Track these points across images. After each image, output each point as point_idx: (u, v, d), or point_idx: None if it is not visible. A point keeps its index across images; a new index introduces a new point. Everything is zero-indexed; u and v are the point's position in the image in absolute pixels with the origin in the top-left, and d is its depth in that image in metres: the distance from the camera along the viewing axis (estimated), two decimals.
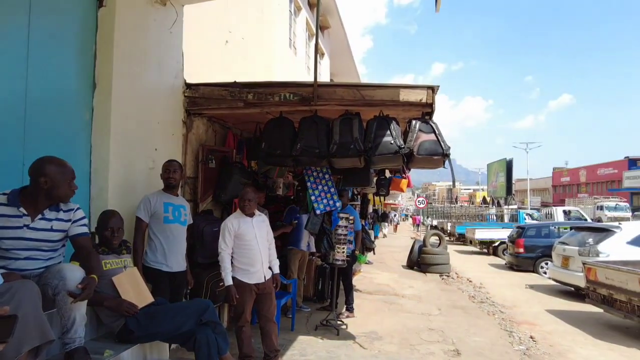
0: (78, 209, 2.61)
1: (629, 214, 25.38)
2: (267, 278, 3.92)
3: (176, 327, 2.86)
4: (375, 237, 24.96)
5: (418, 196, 36.47)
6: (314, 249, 6.55)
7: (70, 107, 3.24)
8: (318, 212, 5.61)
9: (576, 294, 8.35)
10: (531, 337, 5.60)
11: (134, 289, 2.92)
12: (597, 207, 27.95)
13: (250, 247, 3.81)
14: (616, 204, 27.87)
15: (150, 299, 2.98)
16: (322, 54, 13.27)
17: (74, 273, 2.33)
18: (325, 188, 5.52)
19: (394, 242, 22.32)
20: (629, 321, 6.01)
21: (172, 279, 3.52)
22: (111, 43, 3.42)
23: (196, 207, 4.72)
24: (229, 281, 3.73)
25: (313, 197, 5.52)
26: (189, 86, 4.58)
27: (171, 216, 3.50)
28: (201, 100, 4.60)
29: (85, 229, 2.60)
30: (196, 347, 2.81)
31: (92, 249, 2.68)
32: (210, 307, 3.01)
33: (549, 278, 9.95)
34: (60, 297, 2.30)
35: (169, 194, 3.59)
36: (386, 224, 28.35)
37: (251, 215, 3.89)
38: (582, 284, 7.02)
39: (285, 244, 6.04)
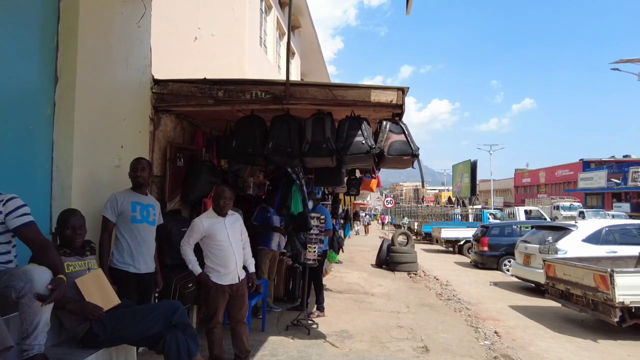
0: (10, 199, 2.33)
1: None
2: (241, 279, 3.86)
3: (144, 330, 2.77)
4: (347, 236, 25.56)
5: (386, 196, 37.05)
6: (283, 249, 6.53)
7: (30, 102, 3.07)
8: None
9: (537, 289, 8.71)
10: (495, 332, 5.80)
11: (99, 291, 2.79)
12: (554, 207, 29.56)
13: (223, 247, 3.73)
14: (570, 204, 29.77)
15: (116, 301, 2.85)
16: (293, 54, 13.24)
17: (42, 274, 2.21)
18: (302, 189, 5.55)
19: (364, 241, 22.55)
20: (584, 314, 6.34)
21: (139, 281, 3.39)
22: (75, 35, 3.27)
23: (164, 207, 4.58)
24: (197, 270, 3.67)
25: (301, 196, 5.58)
26: (157, 82, 4.46)
27: (139, 216, 3.38)
28: (169, 96, 4.48)
29: (26, 219, 2.34)
30: (165, 349, 2.73)
31: (46, 241, 2.46)
32: (180, 309, 2.93)
33: (512, 275, 10.34)
34: (26, 300, 2.17)
35: (138, 192, 3.48)
36: (358, 222, 29.07)
37: (224, 214, 3.81)
38: (542, 280, 7.33)
39: (255, 244, 5.98)
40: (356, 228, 28.46)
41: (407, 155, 4.29)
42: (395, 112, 4.43)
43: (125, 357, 3.06)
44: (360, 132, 4.28)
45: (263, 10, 10.13)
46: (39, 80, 3.14)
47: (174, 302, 3.10)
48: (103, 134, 3.63)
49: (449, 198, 52.89)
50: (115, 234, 3.39)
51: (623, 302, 5.43)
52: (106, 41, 3.68)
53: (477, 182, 45.59)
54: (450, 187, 57.90)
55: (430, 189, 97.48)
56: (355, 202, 27.51)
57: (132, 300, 3.20)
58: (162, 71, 4.74)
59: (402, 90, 4.26)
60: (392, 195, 49.28)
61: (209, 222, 3.72)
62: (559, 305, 6.80)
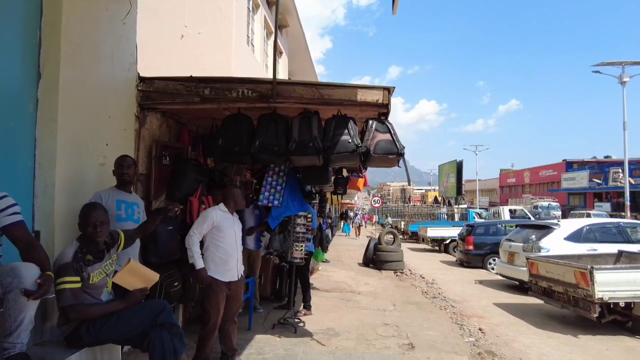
0: (2, 197, 2.31)
1: (558, 212, 28.15)
2: (239, 277, 3.90)
3: (130, 330, 2.75)
4: (347, 234, 25.69)
5: (373, 196, 37.15)
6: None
7: (11, 99, 3.02)
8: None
9: (521, 287, 8.86)
10: (480, 329, 5.89)
11: (138, 279, 2.89)
12: (534, 206, 30.36)
13: (229, 242, 3.79)
14: (549, 204, 30.65)
15: (155, 278, 3.00)
16: (280, 53, 13.22)
17: (30, 270, 2.20)
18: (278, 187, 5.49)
19: (351, 240, 22.63)
20: (566, 310, 6.48)
21: None
22: (58, 31, 3.22)
23: (149, 206, 4.55)
24: (200, 264, 3.62)
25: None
26: (142, 80, 4.42)
27: (124, 214, 3.36)
28: (155, 94, 4.45)
29: (17, 218, 2.32)
30: (150, 347, 2.71)
31: (34, 240, 2.46)
32: (167, 309, 2.91)
33: (497, 273, 10.50)
34: (12, 295, 2.15)
35: (122, 191, 3.45)
36: (349, 222, 29.09)
37: (232, 212, 3.92)
38: (526, 277, 7.47)
39: None
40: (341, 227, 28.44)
41: (393, 154, 4.34)
42: (382, 111, 4.48)
43: (109, 356, 3.03)
44: (346, 131, 4.31)
45: (250, 9, 10.11)
46: (21, 77, 3.09)
47: (160, 301, 3.09)
48: (87, 132, 3.59)
49: (435, 198, 53.43)
50: None
51: (602, 298, 5.57)
52: (91, 38, 3.63)
53: (463, 182, 46.21)
54: (437, 187, 58.48)
55: (417, 189, 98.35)
56: (343, 201, 27.51)
57: (117, 299, 3.17)
58: (148, 69, 4.70)
59: (388, 90, 4.30)
60: (379, 195, 49.33)
61: (221, 214, 3.80)
62: (542, 302, 6.94)
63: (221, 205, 3.93)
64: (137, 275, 2.91)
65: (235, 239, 3.88)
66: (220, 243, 3.75)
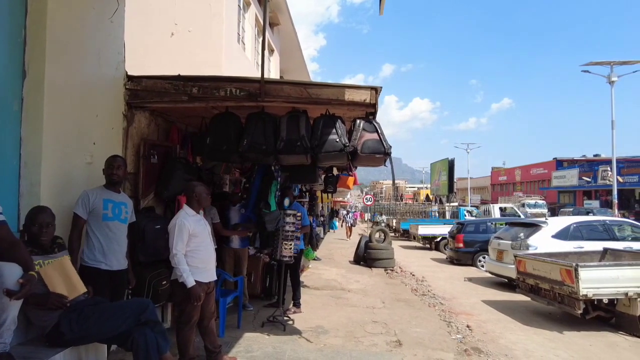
0: None
1: (545, 210, 29.05)
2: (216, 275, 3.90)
3: (112, 329, 2.75)
4: (334, 230, 25.74)
5: (366, 194, 37.23)
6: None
7: None
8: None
9: (509, 284, 8.96)
10: (468, 326, 5.96)
11: (62, 280, 2.71)
12: (521, 204, 30.79)
13: (206, 245, 3.73)
14: (535, 202, 31.21)
15: (81, 289, 2.77)
16: (272, 51, 13.20)
17: (12, 269, 2.19)
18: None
19: (342, 238, 22.68)
20: (552, 307, 6.57)
21: (111, 278, 3.37)
22: (43, 29, 3.21)
23: (137, 204, 4.55)
24: (191, 282, 3.48)
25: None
26: (130, 78, 4.41)
27: (110, 213, 3.36)
28: (143, 93, 4.44)
29: None
30: (134, 347, 2.72)
31: (17, 240, 2.44)
32: (150, 306, 2.92)
33: (486, 271, 10.59)
34: None
35: (110, 190, 3.44)
36: (336, 219, 29.05)
37: (198, 212, 3.83)
38: (514, 275, 7.55)
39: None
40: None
41: (380, 154, 4.37)
42: (369, 111, 4.51)
43: (95, 355, 3.03)
44: (334, 130, 4.34)
45: (241, 6, 10.08)
46: (6, 76, 3.07)
47: (144, 299, 3.09)
48: (74, 131, 3.58)
49: (427, 196, 53.68)
50: (87, 231, 3.35)
51: (587, 295, 5.66)
52: (77, 36, 3.62)
53: (455, 180, 46.48)
54: (429, 185, 58.79)
55: (409, 187, 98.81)
56: (335, 199, 27.53)
57: (105, 297, 3.18)
58: (138, 67, 4.69)
59: (376, 90, 4.33)
60: (372, 193, 49.46)
61: (192, 220, 3.65)
62: (529, 299, 7.03)
63: (186, 209, 3.73)
64: (62, 275, 2.71)
65: (210, 240, 3.81)
66: (199, 247, 3.66)
